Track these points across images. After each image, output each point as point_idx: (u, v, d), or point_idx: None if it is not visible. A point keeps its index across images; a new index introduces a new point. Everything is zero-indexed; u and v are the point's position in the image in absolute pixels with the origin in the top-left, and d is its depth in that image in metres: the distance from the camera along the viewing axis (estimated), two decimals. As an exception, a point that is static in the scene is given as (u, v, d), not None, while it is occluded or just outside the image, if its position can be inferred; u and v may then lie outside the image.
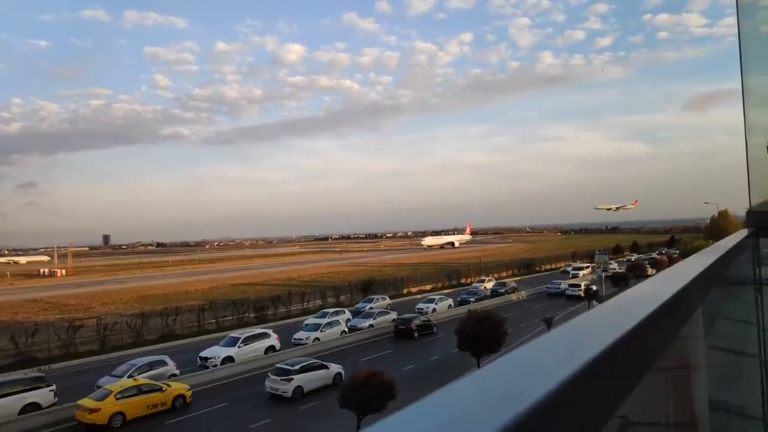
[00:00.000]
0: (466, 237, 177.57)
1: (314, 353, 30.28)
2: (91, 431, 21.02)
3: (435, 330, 36.20)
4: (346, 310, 41.08)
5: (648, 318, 1.03)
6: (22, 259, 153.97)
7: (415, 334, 35.10)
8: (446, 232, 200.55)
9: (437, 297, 47.55)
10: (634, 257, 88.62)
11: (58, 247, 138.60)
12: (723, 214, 76.28)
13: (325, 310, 40.38)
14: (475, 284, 58.38)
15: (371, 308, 43.66)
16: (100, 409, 20.97)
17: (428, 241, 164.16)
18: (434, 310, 44.16)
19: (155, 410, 22.14)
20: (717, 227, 72.50)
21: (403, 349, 32.41)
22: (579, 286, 49.44)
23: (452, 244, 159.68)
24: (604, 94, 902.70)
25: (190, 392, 23.67)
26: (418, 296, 53.16)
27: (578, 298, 46.82)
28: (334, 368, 25.53)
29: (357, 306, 45.68)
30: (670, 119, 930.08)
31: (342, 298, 51.74)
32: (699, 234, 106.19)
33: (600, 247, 75.21)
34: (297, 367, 24.15)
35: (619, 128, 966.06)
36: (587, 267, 70.12)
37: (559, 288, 52.53)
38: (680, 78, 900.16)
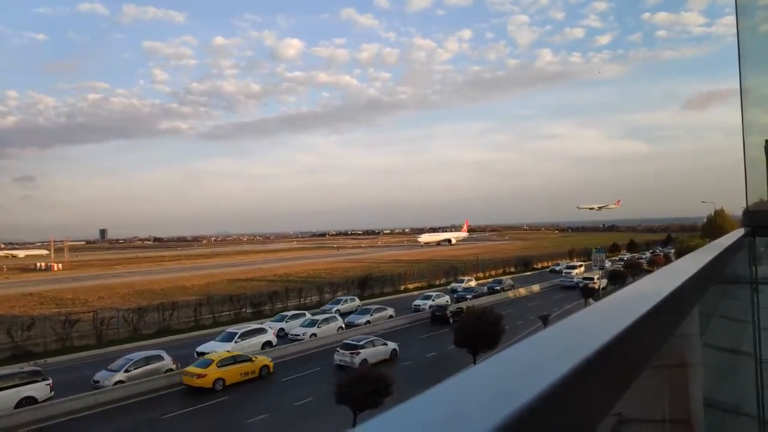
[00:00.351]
0: (463, 234, 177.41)
1: (310, 349, 30.37)
2: (197, 393, 23.55)
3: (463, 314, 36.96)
4: (307, 312, 38.98)
5: (644, 316, 1.03)
6: (21, 253, 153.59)
7: (451, 320, 36.89)
8: (444, 229, 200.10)
9: (434, 294, 47.55)
10: (627, 256, 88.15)
11: (54, 241, 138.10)
12: (720, 213, 76.41)
13: (283, 314, 38.63)
14: (453, 284, 56.55)
15: (337, 310, 41.26)
16: (206, 375, 24.03)
17: (425, 238, 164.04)
18: (431, 306, 44.16)
19: (246, 377, 25.30)
20: (714, 226, 72.58)
21: (401, 345, 32.42)
22: (592, 279, 50.09)
23: (449, 241, 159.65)
24: (603, 92, 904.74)
25: (272, 363, 26.85)
26: (415, 293, 53.18)
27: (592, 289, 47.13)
28: (391, 345, 29.13)
29: (323, 308, 43.40)
30: (668, 118, 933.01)
31: (339, 294, 51.72)
32: (695, 233, 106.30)
33: (597, 245, 75.28)
34: (362, 342, 28.09)
35: (618, 126, 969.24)
36: (580, 265, 70.13)
37: (572, 281, 54.49)
38: (679, 77, 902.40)
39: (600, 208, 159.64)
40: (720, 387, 3.07)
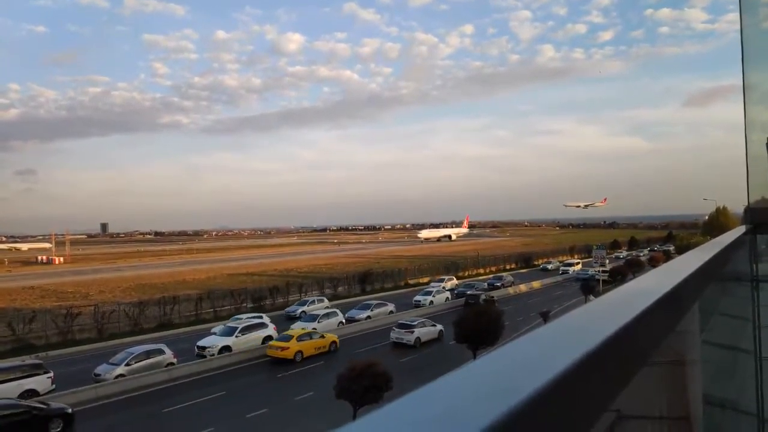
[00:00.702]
0: (464, 230, 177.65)
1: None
2: (278, 364, 26.99)
3: (497, 304, 38.07)
4: (264, 315, 36.10)
5: (644, 312, 1.02)
6: (24, 246, 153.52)
7: None
8: (444, 225, 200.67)
9: (435, 290, 47.59)
10: (624, 254, 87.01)
11: (55, 234, 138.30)
12: (721, 211, 76.43)
13: (238, 316, 36.50)
14: (433, 283, 54.44)
15: (303, 311, 39.10)
16: (288, 348, 27.61)
17: (425, 233, 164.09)
18: (431, 302, 44.26)
19: (318, 351, 28.71)
20: (715, 224, 72.59)
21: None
22: (607, 271, 51.56)
23: (449, 237, 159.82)
24: (605, 88, 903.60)
25: (338, 339, 30.35)
26: (416, 288, 53.21)
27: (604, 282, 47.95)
28: (439, 326, 32.27)
29: (287, 310, 41.05)
30: (670, 115, 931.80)
31: (340, 289, 51.84)
32: (696, 230, 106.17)
33: (597, 242, 75.25)
34: (415, 323, 31.69)
35: (619, 123, 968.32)
36: (578, 263, 70.02)
37: (587, 274, 55.64)
38: (681, 73, 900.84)
39: (586, 206, 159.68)
40: (719, 384, 3.07)
